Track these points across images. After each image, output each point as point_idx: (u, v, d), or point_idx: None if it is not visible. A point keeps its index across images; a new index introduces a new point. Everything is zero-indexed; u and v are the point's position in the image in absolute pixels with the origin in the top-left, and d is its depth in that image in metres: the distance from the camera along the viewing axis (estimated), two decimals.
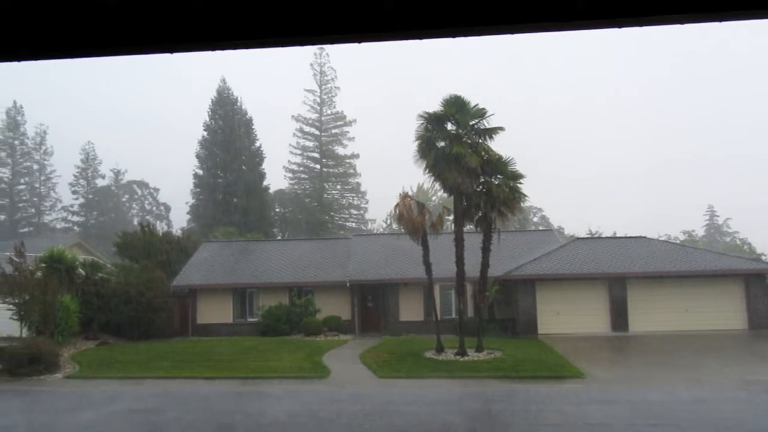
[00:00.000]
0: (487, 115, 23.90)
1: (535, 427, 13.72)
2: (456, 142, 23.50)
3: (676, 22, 2.09)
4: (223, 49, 1.73)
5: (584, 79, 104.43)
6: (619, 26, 2.01)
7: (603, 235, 53.79)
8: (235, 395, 18.37)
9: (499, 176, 24.44)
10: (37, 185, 76.02)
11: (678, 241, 60.00)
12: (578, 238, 40.06)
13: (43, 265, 28.53)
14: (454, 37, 1.86)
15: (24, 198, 75.76)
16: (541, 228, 64.59)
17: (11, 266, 25.62)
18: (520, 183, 24.48)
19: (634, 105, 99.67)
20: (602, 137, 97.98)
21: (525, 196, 24.77)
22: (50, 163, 75.62)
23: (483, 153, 23.81)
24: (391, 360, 23.33)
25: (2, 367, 21.58)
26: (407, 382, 19.97)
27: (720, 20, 2.15)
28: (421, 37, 1.86)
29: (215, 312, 33.88)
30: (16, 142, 74.60)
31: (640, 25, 2.03)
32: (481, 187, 24.42)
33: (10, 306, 25.48)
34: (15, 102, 74.59)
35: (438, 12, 1.76)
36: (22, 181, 75.32)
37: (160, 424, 14.48)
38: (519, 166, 24.52)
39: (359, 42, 1.79)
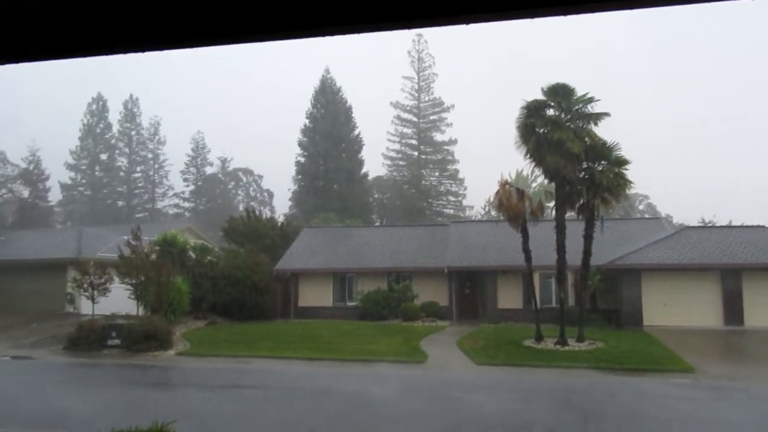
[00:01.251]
0: (594, 100, 23.16)
1: (638, 422, 13.28)
2: (558, 127, 22.90)
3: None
4: (327, 35, 1.77)
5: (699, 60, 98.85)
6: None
7: (717, 225, 50.91)
8: (338, 376, 18.85)
9: (603, 162, 23.67)
10: (151, 173, 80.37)
11: None
12: (688, 227, 38.07)
13: (157, 248, 30.31)
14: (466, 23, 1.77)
15: (140, 185, 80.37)
16: (647, 216, 61.89)
17: (129, 249, 27.34)
18: (626, 169, 23.63)
19: (750, 87, 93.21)
20: (717, 125, 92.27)
21: (630, 182, 23.87)
22: (163, 152, 79.68)
23: (586, 138, 23.11)
24: (489, 347, 23.19)
25: (120, 342, 23.14)
26: (505, 370, 19.81)
27: None
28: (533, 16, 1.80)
29: (316, 295, 34.82)
30: (133, 133, 79.16)
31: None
32: (583, 173, 23.72)
33: (129, 286, 27.26)
34: (131, 95, 79.12)
35: None
36: (137, 169, 79.88)
37: (277, 401, 15.11)
38: (626, 152, 23.72)
39: (467, 24, 1.77)
